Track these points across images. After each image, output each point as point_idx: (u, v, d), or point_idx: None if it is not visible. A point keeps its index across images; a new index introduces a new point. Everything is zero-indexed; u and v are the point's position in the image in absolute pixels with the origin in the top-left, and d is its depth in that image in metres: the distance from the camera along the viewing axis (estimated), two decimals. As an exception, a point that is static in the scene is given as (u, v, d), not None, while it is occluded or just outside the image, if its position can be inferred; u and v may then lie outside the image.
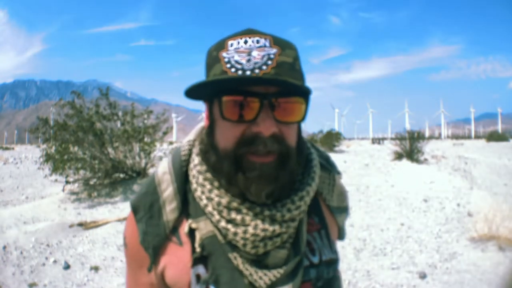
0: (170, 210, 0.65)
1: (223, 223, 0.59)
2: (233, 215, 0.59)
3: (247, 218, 0.59)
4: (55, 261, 3.95)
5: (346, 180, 9.81)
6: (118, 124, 8.33)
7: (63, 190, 7.86)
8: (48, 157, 7.44)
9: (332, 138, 20.91)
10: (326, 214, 0.73)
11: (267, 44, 0.58)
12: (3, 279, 3.52)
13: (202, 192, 0.62)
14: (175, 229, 0.65)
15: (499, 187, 8.58)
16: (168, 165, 0.68)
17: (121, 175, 8.19)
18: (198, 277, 0.61)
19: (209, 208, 0.61)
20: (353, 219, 5.97)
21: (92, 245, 4.44)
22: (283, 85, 0.56)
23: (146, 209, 0.66)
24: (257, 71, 0.55)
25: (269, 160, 0.57)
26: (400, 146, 14.21)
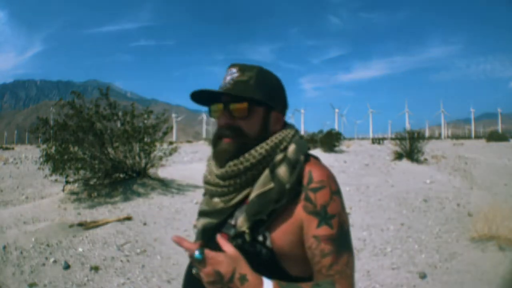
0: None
1: (207, 175, 1.04)
2: (213, 169, 1.02)
3: (214, 169, 1.01)
4: (55, 261, 3.95)
5: (346, 180, 9.82)
6: (118, 124, 8.32)
7: (63, 190, 7.86)
8: (48, 157, 7.43)
9: (332, 138, 20.89)
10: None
11: (235, 71, 0.97)
12: (3, 279, 3.52)
13: (209, 158, 1.10)
14: None
15: (499, 187, 8.58)
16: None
17: (121, 175, 8.18)
18: None
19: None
20: (353, 219, 5.96)
21: (92, 245, 4.44)
22: (229, 95, 0.94)
23: None
24: (223, 87, 0.96)
25: (227, 141, 0.95)
26: (400, 146, 14.20)
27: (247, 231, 0.86)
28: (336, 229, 0.86)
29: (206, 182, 1.02)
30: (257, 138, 0.95)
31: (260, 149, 0.93)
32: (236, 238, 0.88)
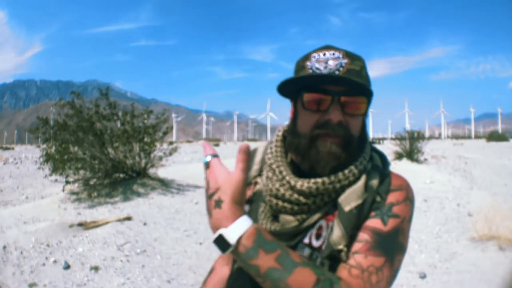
0: (254, 169, 0.94)
1: (274, 186, 0.82)
2: (287, 178, 0.81)
3: (291, 180, 0.80)
4: (55, 261, 3.95)
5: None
6: (118, 124, 8.32)
7: (63, 190, 7.86)
8: (48, 157, 7.43)
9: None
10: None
11: (340, 56, 0.78)
12: (3, 279, 3.52)
13: (275, 161, 0.86)
14: (252, 180, 0.94)
15: (499, 187, 8.58)
16: (263, 144, 1.00)
17: (121, 175, 8.18)
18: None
19: (277, 170, 0.84)
20: (353, 219, 5.96)
21: (92, 245, 4.44)
22: (349, 84, 0.75)
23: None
24: (330, 73, 0.76)
25: (337, 141, 0.76)
26: (400, 146, 14.20)
27: (345, 249, 0.72)
28: (390, 229, 0.73)
29: (275, 196, 0.80)
30: (357, 143, 0.80)
31: (360, 165, 0.79)
32: (316, 259, 0.75)
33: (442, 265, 4.02)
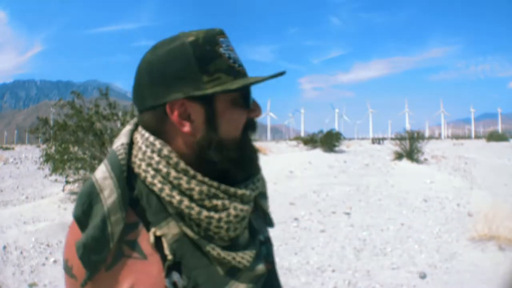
0: (115, 221, 0.56)
1: (205, 213, 0.58)
2: (214, 201, 0.59)
3: (226, 202, 0.60)
4: (55, 261, 3.95)
5: (346, 180, 9.81)
6: (118, 124, 8.32)
7: (63, 190, 7.86)
8: (48, 157, 7.43)
9: (332, 138, 20.88)
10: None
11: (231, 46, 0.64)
12: (3, 279, 3.52)
13: (174, 188, 0.59)
14: (134, 243, 0.58)
15: (499, 187, 8.57)
16: (107, 169, 0.60)
17: (121, 175, 8.18)
18: (174, 285, 0.57)
19: (186, 203, 0.58)
20: (353, 219, 5.96)
21: (92, 245, 4.45)
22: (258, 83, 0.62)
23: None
24: (243, 70, 0.63)
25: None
26: (400, 146, 14.20)
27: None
28: None
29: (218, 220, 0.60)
30: None
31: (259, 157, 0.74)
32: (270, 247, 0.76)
33: (442, 265, 4.02)
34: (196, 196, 0.59)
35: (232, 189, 0.61)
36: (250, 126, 0.65)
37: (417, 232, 5.21)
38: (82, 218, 0.58)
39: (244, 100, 0.62)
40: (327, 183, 9.19)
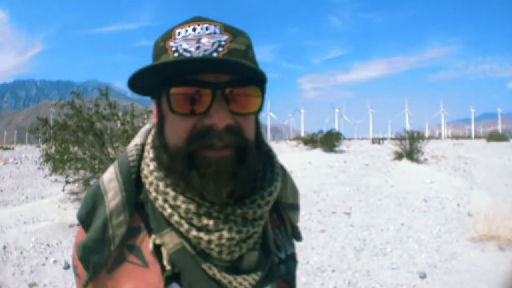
0: (117, 223, 0.55)
1: (194, 232, 0.53)
2: (205, 221, 0.53)
3: (220, 222, 0.53)
4: (55, 261, 3.95)
5: (346, 180, 9.82)
6: (118, 124, 8.32)
7: (63, 190, 7.86)
8: (48, 157, 7.44)
9: (332, 138, 20.89)
10: (281, 211, 0.70)
11: (217, 31, 0.54)
12: (3, 279, 3.52)
13: (165, 201, 0.55)
14: (136, 249, 0.56)
15: (499, 187, 8.58)
16: (115, 171, 0.59)
17: (121, 175, 8.18)
18: None
19: (176, 218, 0.54)
20: (353, 219, 5.96)
21: (92, 245, 4.45)
22: (235, 69, 0.50)
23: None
24: (206, 55, 0.51)
25: (226, 154, 0.52)
26: (400, 146, 14.20)
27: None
28: None
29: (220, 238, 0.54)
30: (255, 151, 0.58)
31: (277, 169, 0.65)
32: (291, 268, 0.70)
33: (442, 265, 4.02)
34: (182, 214, 0.54)
35: (229, 208, 0.54)
36: (200, 135, 0.51)
37: (417, 232, 5.21)
38: (86, 219, 0.58)
39: (185, 103, 0.51)
40: (327, 183, 9.20)
